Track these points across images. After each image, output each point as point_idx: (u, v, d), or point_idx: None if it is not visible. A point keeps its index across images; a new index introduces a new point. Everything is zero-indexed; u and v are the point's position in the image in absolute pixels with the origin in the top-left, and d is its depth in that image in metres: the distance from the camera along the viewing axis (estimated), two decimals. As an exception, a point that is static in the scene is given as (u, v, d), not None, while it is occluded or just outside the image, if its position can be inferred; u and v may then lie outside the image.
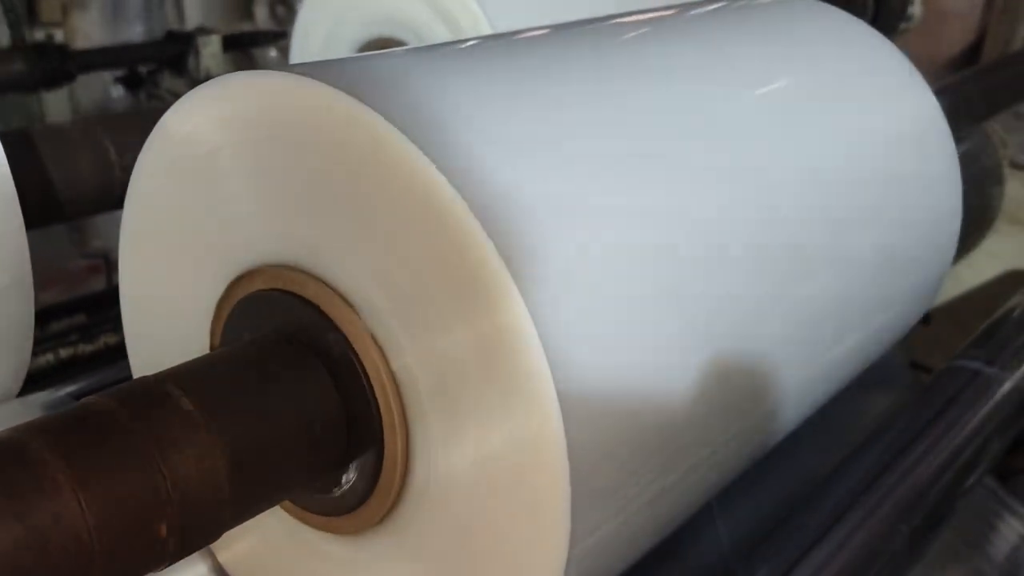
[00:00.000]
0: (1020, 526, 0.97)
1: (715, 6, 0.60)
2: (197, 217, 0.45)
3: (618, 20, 0.56)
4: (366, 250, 0.39)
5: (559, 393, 0.36)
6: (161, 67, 2.07)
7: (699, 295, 0.43)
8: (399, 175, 0.37)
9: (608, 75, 0.47)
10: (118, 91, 2.13)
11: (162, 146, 0.46)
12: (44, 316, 0.94)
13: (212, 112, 0.43)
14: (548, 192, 0.39)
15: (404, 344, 0.39)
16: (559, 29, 0.53)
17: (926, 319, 1.48)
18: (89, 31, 2.28)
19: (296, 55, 0.94)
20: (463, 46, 0.49)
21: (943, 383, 0.93)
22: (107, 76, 2.10)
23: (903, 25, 1.36)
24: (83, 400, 0.35)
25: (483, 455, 0.38)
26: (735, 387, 0.46)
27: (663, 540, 0.53)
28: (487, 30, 0.79)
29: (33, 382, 0.83)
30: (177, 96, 0.44)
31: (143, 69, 2.08)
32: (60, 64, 1.84)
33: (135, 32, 2.26)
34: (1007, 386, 0.94)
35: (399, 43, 0.87)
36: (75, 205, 0.66)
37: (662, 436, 0.42)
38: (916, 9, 1.36)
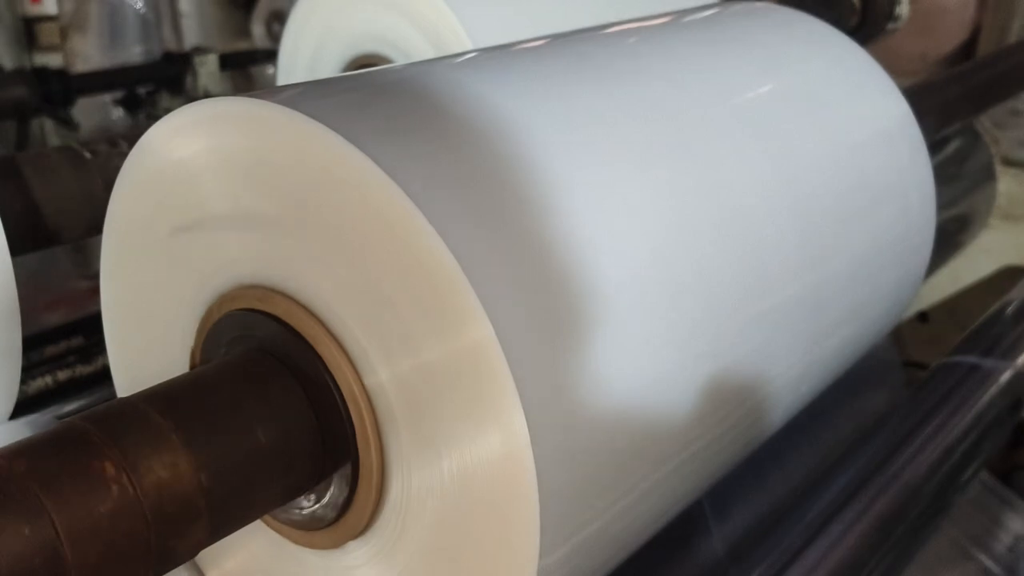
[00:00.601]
0: (1022, 522, 0.98)
1: (687, 18, 0.61)
2: (175, 238, 0.46)
3: (591, 34, 0.57)
4: (337, 270, 0.40)
5: (526, 409, 0.36)
6: (159, 88, 2.09)
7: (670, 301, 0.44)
8: (364, 196, 0.38)
9: (577, 91, 0.48)
10: (118, 113, 2.15)
11: (140, 167, 0.47)
12: (41, 339, 0.95)
13: (187, 135, 0.44)
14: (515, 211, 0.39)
15: (376, 362, 0.40)
16: (531, 45, 0.54)
17: (923, 316, 1.49)
18: (88, 54, 2.30)
19: (283, 74, 0.95)
20: (431, 66, 0.50)
21: (938, 379, 0.94)
22: (107, 98, 2.11)
23: (891, 25, 1.37)
24: (59, 422, 0.36)
25: (456, 470, 0.39)
26: (713, 392, 0.47)
27: (655, 545, 0.53)
28: (468, 46, 0.80)
29: (32, 405, 0.84)
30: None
31: (142, 90, 2.09)
32: (59, 88, 1.86)
33: (133, 54, 2.27)
34: (1002, 381, 0.95)
35: (385, 60, 0.88)
36: (66, 230, 0.67)
37: (638, 444, 0.43)
38: (904, 9, 1.36)
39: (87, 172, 0.65)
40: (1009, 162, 1.35)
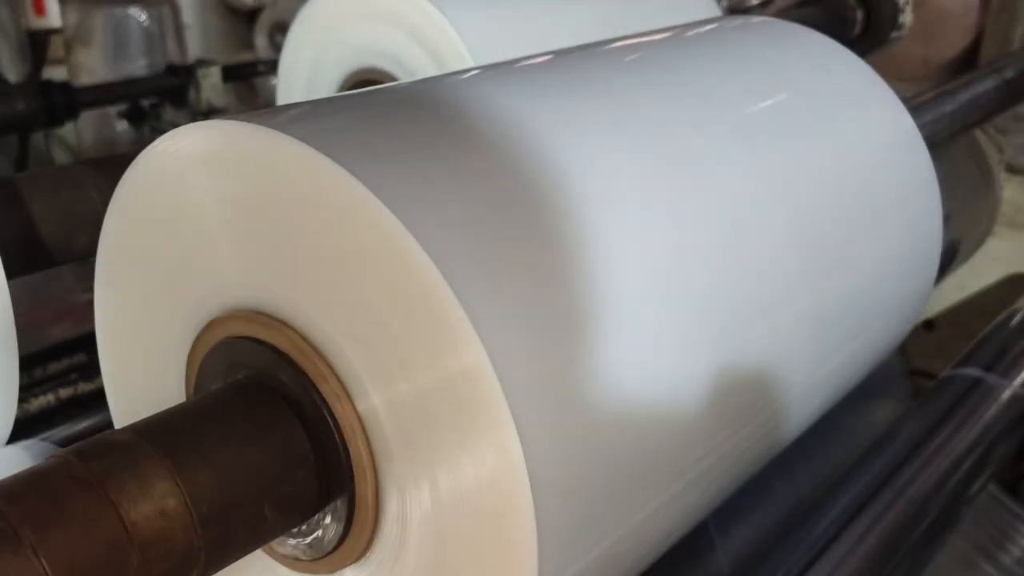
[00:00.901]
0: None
1: (685, 34, 0.60)
2: (168, 261, 0.46)
3: (591, 50, 0.56)
4: (330, 296, 0.40)
5: (521, 432, 0.36)
6: (163, 100, 2.09)
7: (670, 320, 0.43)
8: (355, 221, 0.38)
9: (575, 109, 0.47)
10: (122, 126, 2.15)
11: (133, 189, 0.47)
12: (43, 356, 0.95)
13: (180, 158, 0.44)
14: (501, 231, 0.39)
15: (370, 388, 0.39)
16: (531, 62, 0.54)
17: (929, 325, 1.48)
18: (92, 67, 2.30)
19: (282, 86, 0.95)
20: (424, 86, 0.49)
21: (943, 392, 0.93)
22: (111, 111, 2.12)
23: (894, 34, 1.36)
24: (47, 459, 0.35)
25: (451, 493, 0.38)
26: (718, 412, 0.46)
27: (660, 565, 0.53)
28: (467, 59, 0.80)
29: (34, 424, 0.84)
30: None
31: (145, 103, 2.10)
32: (63, 102, 1.86)
33: (138, 66, 2.28)
34: (1008, 393, 0.94)
35: (384, 74, 0.88)
36: (63, 251, 0.66)
37: (642, 465, 0.42)
38: (907, 18, 1.36)
39: (84, 191, 0.65)
40: (1014, 169, 1.34)
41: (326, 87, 0.92)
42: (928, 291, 0.67)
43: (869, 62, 0.68)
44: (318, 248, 0.39)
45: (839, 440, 1.06)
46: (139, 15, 2.33)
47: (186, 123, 0.45)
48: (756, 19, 0.64)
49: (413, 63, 0.84)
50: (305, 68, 0.93)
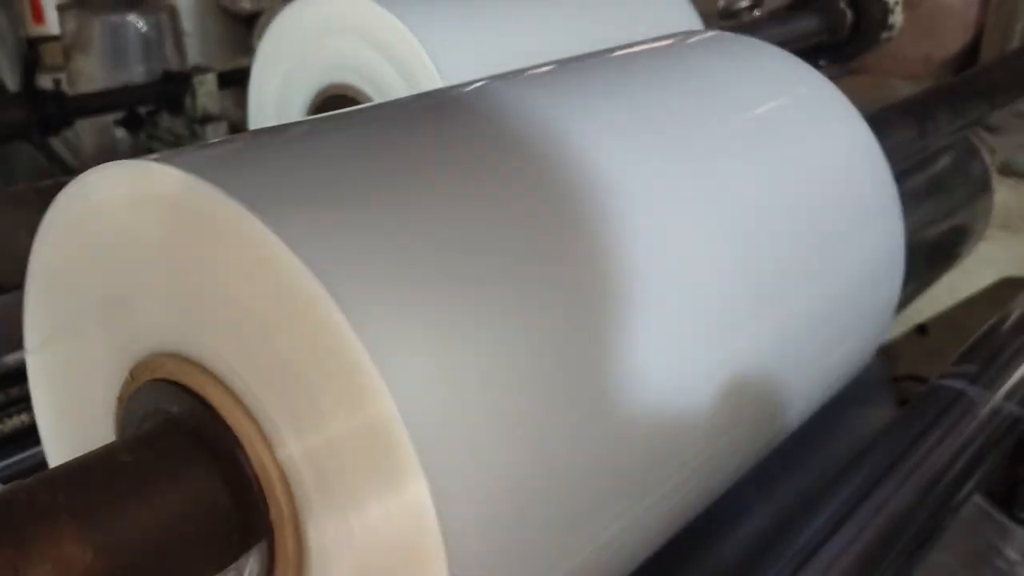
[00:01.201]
0: (1017, 548, 0.96)
1: (637, 52, 0.59)
2: (96, 298, 0.45)
3: (539, 74, 0.55)
4: (248, 343, 0.39)
5: (432, 485, 0.35)
6: (159, 108, 2.09)
7: (585, 361, 0.42)
8: (268, 273, 0.37)
9: (501, 141, 0.46)
10: (120, 133, 2.15)
11: (60, 221, 0.46)
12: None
13: (98, 199, 0.43)
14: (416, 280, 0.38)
15: (286, 436, 0.39)
16: (463, 91, 0.53)
17: (922, 329, 1.46)
18: (92, 74, 2.31)
19: (253, 102, 0.94)
20: (345, 123, 0.48)
21: (925, 404, 0.92)
22: (110, 119, 2.12)
23: (885, 34, 1.35)
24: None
25: (368, 542, 0.38)
26: (648, 465, 0.45)
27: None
28: (435, 76, 0.79)
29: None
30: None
31: (142, 110, 2.10)
32: (57, 110, 1.86)
33: (137, 73, 2.28)
34: (990, 407, 0.93)
35: (353, 90, 0.87)
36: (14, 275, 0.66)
37: (563, 514, 0.41)
38: (897, 18, 1.34)
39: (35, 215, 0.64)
40: (1008, 171, 1.32)
41: (298, 103, 0.92)
42: (892, 307, 0.66)
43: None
44: (233, 295, 0.39)
45: (820, 452, 1.05)
46: (137, 22, 2.33)
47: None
48: (714, 35, 0.63)
49: (383, 80, 0.84)
50: (276, 84, 0.92)
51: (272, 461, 0.39)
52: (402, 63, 0.81)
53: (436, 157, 0.44)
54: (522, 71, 0.55)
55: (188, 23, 2.50)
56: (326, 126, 0.48)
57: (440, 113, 0.50)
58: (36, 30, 2.49)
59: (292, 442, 0.39)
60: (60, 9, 2.36)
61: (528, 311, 0.40)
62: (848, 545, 0.71)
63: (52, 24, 2.43)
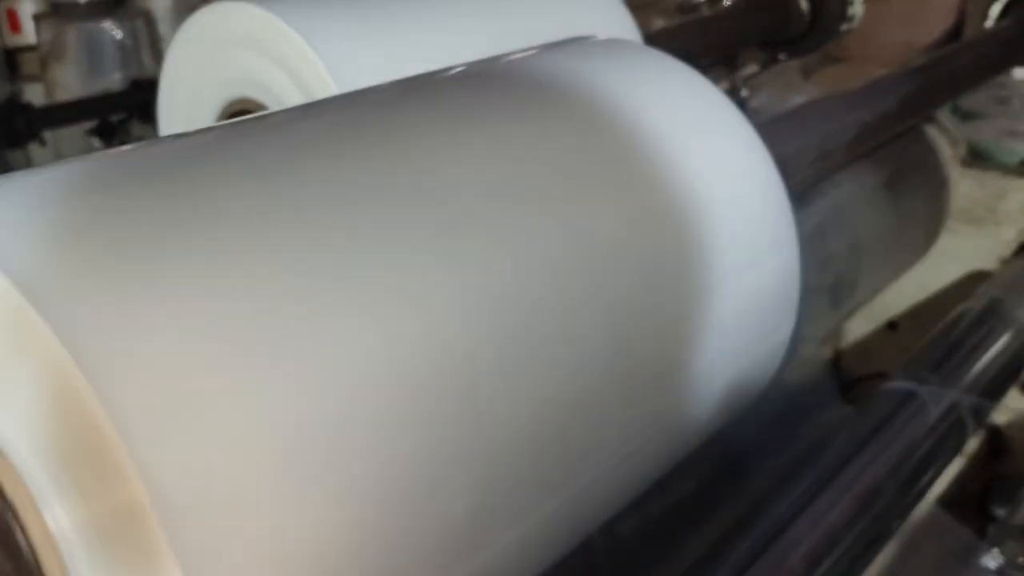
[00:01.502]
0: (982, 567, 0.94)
1: (497, 65, 0.55)
2: None
3: (370, 94, 0.51)
4: (14, 405, 0.37)
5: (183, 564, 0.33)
6: (131, 116, 2.08)
7: (353, 446, 0.38)
8: (23, 341, 0.35)
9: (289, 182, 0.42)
10: (96, 143, 2.14)
11: None
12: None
13: None
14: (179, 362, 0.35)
15: (57, 508, 0.36)
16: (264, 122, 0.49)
17: (892, 325, 1.43)
18: (68, 83, 2.29)
19: (163, 116, 0.92)
20: (138, 157, 0.45)
21: (874, 408, 0.90)
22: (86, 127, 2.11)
23: (844, 26, 1.31)
24: None
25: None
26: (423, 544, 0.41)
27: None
28: (331, 88, 0.76)
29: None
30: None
31: (115, 119, 2.08)
32: (25, 122, 1.85)
33: (113, 81, 2.26)
34: (941, 409, 0.91)
35: (257, 103, 0.84)
36: None
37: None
38: (857, 8, 1.30)
39: None
40: (977, 155, 1.28)
41: (205, 118, 0.89)
42: (785, 343, 0.61)
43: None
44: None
45: (765, 465, 1.03)
46: (113, 29, 2.31)
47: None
48: (592, 41, 0.59)
49: (282, 93, 0.81)
50: (183, 97, 0.90)
51: (44, 531, 0.37)
52: (299, 75, 0.78)
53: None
54: (361, 92, 0.52)
55: (165, 29, 2.48)
56: (88, 169, 0.43)
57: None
58: (14, 40, 2.48)
59: (63, 516, 0.36)
60: (36, 18, 2.34)
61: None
62: (783, 558, 0.70)
63: (29, 34, 2.42)
